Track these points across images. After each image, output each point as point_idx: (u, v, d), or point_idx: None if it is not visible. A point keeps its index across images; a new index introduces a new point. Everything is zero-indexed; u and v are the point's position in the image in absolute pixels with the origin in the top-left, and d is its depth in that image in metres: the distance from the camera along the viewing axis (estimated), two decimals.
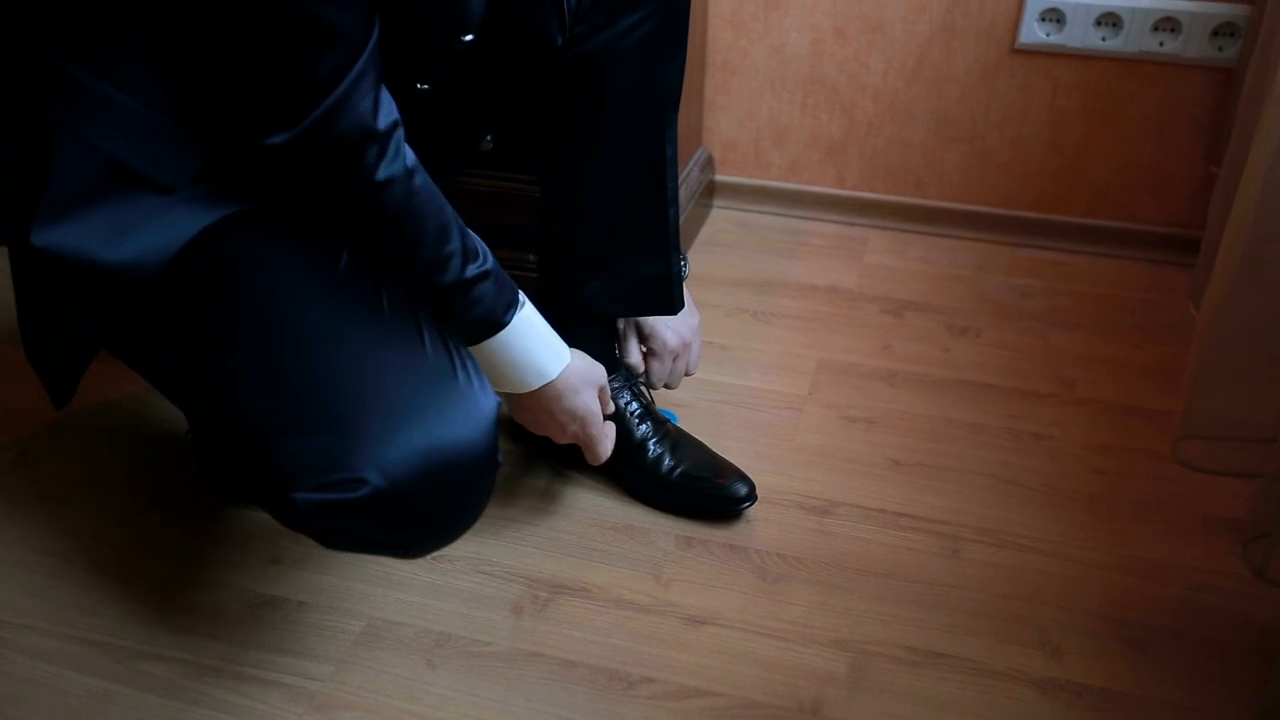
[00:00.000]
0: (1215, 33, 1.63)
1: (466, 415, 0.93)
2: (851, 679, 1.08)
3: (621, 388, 1.28)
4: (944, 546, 1.23)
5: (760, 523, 1.26)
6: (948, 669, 1.08)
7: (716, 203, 1.96)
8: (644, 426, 1.27)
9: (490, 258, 1.02)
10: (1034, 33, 1.70)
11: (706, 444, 1.31)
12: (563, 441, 1.17)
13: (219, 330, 0.95)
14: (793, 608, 1.15)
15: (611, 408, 1.20)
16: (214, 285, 0.95)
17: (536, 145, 1.26)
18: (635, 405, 1.28)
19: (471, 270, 0.99)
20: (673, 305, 1.28)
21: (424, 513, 0.92)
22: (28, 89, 0.92)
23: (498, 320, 1.03)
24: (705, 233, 1.88)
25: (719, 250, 1.83)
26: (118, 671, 1.08)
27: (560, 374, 1.10)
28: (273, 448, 0.90)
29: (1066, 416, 1.43)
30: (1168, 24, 1.65)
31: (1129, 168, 1.78)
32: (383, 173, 0.90)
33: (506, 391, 1.10)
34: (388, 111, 0.90)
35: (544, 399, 1.11)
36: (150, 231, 0.92)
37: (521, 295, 1.06)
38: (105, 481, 1.31)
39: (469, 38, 1.03)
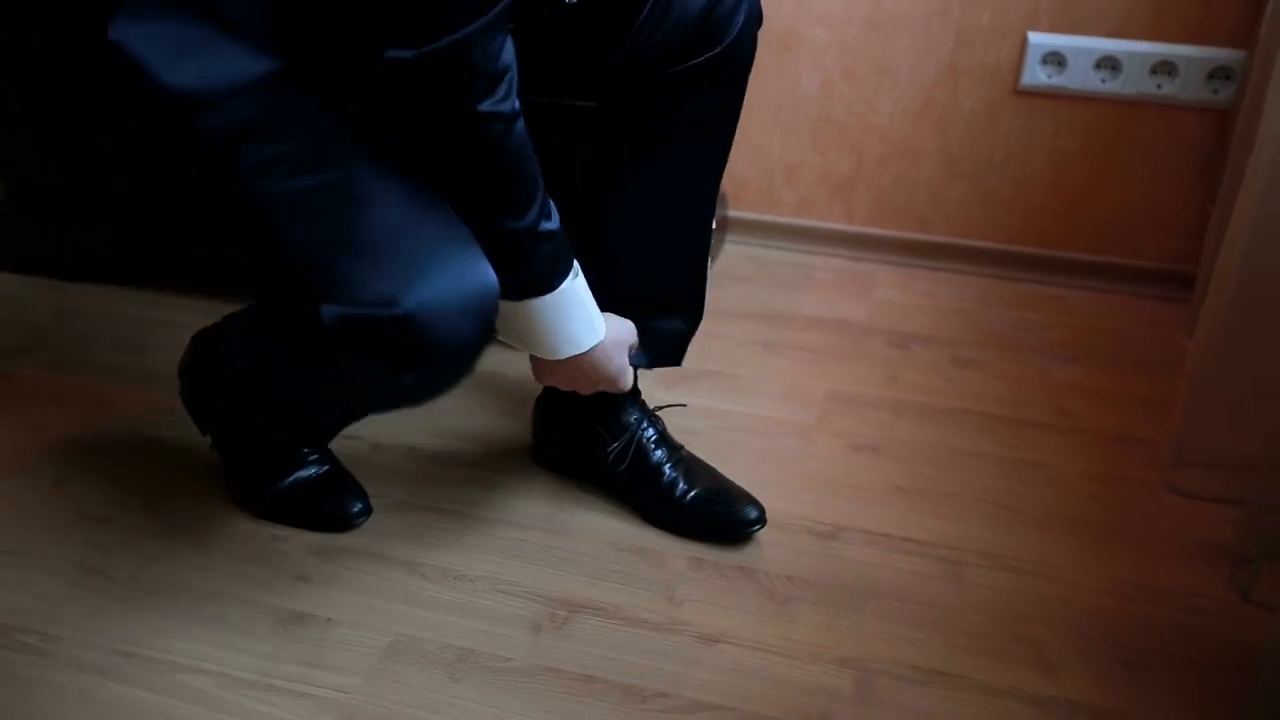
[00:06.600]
0: (1211, 75, 1.69)
1: (483, 270, 1.02)
2: (856, 695, 1.12)
3: (640, 417, 1.33)
4: (946, 570, 1.28)
5: (769, 546, 1.31)
6: (949, 686, 1.13)
7: (729, 238, 2.02)
8: (659, 452, 1.32)
9: (559, 225, 1.07)
10: (1036, 75, 1.76)
11: (718, 470, 1.36)
12: (587, 393, 1.24)
13: (291, 155, 1.03)
14: (800, 627, 1.20)
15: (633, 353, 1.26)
16: (286, 119, 1.03)
17: (581, 182, 1.31)
18: (651, 431, 1.33)
19: (544, 226, 1.05)
20: (679, 360, 1.35)
21: (435, 345, 1.00)
22: None
23: (549, 282, 1.08)
24: (718, 267, 1.93)
25: (731, 284, 1.88)
26: (154, 682, 1.13)
27: (594, 346, 1.15)
28: (317, 263, 1.00)
29: (1064, 446, 1.48)
30: (1165, 67, 1.71)
31: (1129, 206, 1.83)
32: (486, 107, 0.96)
33: (536, 354, 1.14)
34: (508, 55, 0.97)
35: (576, 365, 1.16)
36: (208, 61, 1.00)
37: (576, 266, 1.11)
38: (141, 503, 1.36)
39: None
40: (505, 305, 1.08)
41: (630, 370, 1.25)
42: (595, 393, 1.25)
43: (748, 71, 1.21)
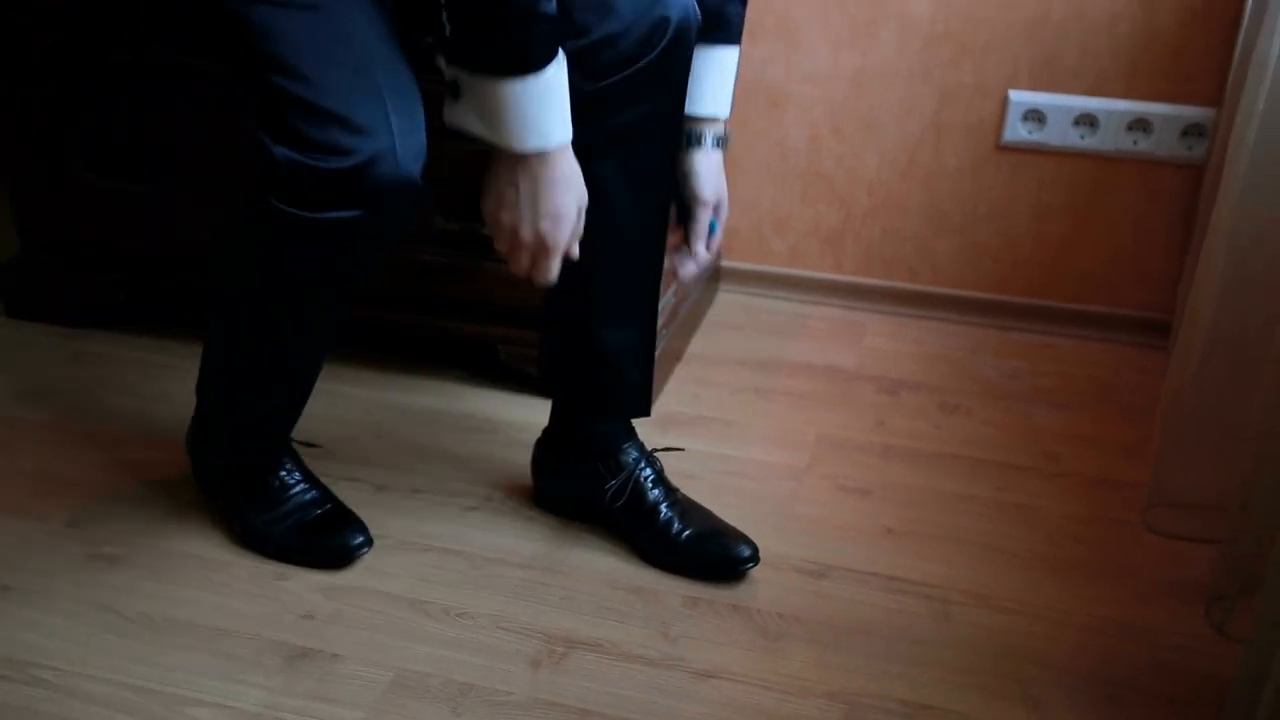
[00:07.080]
0: (1185, 132, 1.76)
1: (422, 127, 1.13)
2: None
3: (638, 456, 1.37)
4: (934, 608, 1.31)
5: (762, 584, 1.34)
6: None
7: (722, 287, 2.07)
8: (656, 491, 1.36)
9: (557, 14, 1.07)
10: (1017, 131, 1.83)
11: (713, 511, 1.39)
12: (521, 240, 1.15)
13: None
14: (791, 663, 1.23)
15: (576, 250, 1.19)
16: None
17: None
18: (649, 471, 1.37)
19: (546, 7, 1.05)
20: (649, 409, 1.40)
21: (378, 195, 1.10)
22: None
23: (537, 63, 1.06)
24: (711, 315, 1.99)
25: (724, 332, 1.93)
26: (165, 716, 1.15)
27: (559, 147, 1.11)
28: (283, 99, 1.08)
29: (1048, 488, 1.52)
30: (1140, 124, 1.77)
31: (1112, 256, 1.89)
32: None
33: (501, 144, 1.11)
34: None
35: (533, 174, 1.12)
36: None
37: (562, 57, 1.09)
38: (151, 543, 1.39)
39: None
40: (485, 84, 1.07)
41: (570, 229, 1.16)
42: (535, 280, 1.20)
43: (684, 81, 1.23)
